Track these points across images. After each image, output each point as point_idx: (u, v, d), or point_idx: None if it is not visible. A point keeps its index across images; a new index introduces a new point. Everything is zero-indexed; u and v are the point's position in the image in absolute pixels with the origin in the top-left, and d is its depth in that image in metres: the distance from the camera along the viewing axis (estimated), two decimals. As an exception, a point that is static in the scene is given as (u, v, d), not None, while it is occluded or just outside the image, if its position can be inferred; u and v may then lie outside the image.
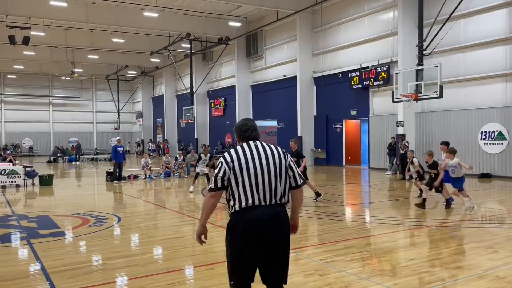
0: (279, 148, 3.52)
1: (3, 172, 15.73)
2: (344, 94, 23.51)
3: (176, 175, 18.98)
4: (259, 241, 3.30)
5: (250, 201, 3.29)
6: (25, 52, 32.35)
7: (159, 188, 16.00)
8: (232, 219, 3.39)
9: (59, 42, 31.73)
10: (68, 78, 44.63)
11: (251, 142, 3.46)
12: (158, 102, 45.26)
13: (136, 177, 18.49)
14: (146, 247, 7.23)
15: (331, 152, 24.83)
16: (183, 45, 31.84)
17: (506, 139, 16.62)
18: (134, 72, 44.42)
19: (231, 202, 3.36)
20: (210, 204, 3.41)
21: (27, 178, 16.29)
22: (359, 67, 22.20)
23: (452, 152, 9.79)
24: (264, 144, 3.49)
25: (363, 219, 9.62)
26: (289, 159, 3.48)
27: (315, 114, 25.74)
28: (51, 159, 33.15)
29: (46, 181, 16.33)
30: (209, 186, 3.42)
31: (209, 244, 7.18)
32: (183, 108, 34.75)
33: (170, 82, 42.37)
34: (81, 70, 40.66)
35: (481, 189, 14.25)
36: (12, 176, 15.89)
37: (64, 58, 35.43)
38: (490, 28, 16.99)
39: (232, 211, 3.37)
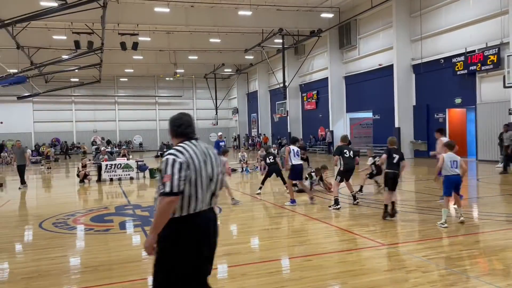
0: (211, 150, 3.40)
1: (119, 166, 17.56)
2: (447, 81, 21.89)
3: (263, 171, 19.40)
4: (208, 247, 3.24)
5: (199, 206, 3.15)
6: (134, 57, 35.45)
7: (255, 181, 16.55)
8: (177, 226, 3.10)
9: (163, 46, 34.22)
10: (171, 79, 47.95)
11: (194, 141, 3.30)
12: (252, 98, 46.51)
13: (233, 170, 19.32)
14: (245, 237, 7.61)
15: (433, 144, 23.19)
16: (276, 40, 32.22)
17: None
18: (230, 70, 46.14)
19: (177, 207, 3.10)
20: (170, 211, 3.05)
21: (139, 171, 17.98)
22: (464, 51, 20.46)
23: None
24: (202, 144, 3.36)
25: (471, 215, 8.96)
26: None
27: (414, 104, 24.37)
28: (159, 154, 36.02)
29: (155, 174, 17.85)
30: (164, 190, 3.04)
31: (306, 236, 7.34)
32: (276, 102, 35.31)
33: (263, 78, 43.25)
34: (182, 70, 43.38)
35: None
36: (127, 169, 17.66)
37: (167, 60, 38.13)
38: None
39: (177, 216, 3.10)
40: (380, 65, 26.30)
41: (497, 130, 18.70)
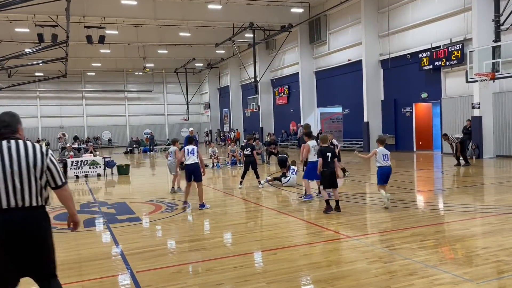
0: (38, 148, 3.36)
1: (85, 162, 17.14)
2: (414, 76, 22.41)
3: (242, 163, 19.38)
4: (6, 252, 3.16)
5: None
6: (101, 50, 34.59)
7: (226, 176, 16.51)
8: None
9: (131, 39, 33.55)
10: (140, 73, 47.10)
11: (3, 142, 3.27)
12: (224, 92, 46.31)
13: (204, 166, 19.18)
14: (214, 232, 7.57)
15: (401, 138, 23.88)
16: (247, 35, 32.16)
17: None
18: (201, 65, 45.76)
19: None
20: None
21: (106, 168, 17.60)
22: (430, 47, 21.00)
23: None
24: (21, 143, 3.31)
25: (434, 206, 9.23)
26: (48, 160, 3.35)
27: (382, 99, 24.86)
28: (128, 150, 35.38)
29: (123, 170, 17.52)
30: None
31: (273, 230, 7.36)
32: (248, 97, 35.28)
33: (235, 73, 43.12)
34: (152, 65, 42.68)
35: None
36: (93, 166, 17.25)
37: (136, 54, 37.43)
38: None
39: None
40: (349, 60, 26.65)
41: (461, 123, 19.31)
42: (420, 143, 23.20)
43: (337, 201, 8.32)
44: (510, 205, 8.49)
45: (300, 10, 28.05)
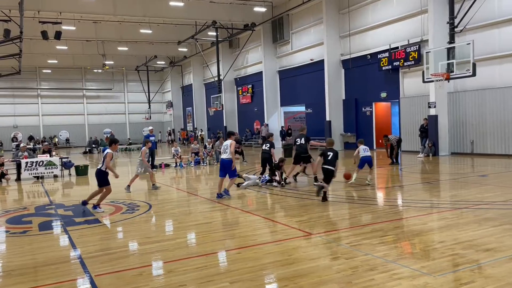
0: None
1: (41, 163, 16.42)
2: (374, 76, 23.01)
3: (205, 163, 19.25)
4: None
5: None
6: (58, 47, 33.32)
7: (189, 176, 16.30)
8: None
9: (90, 36, 32.48)
10: (100, 71, 45.76)
11: None
12: (187, 91, 45.77)
13: (167, 165, 18.88)
14: (176, 233, 7.44)
15: (361, 136, 24.32)
16: (210, 33, 31.92)
17: (546, 117, 15.87)
18: (163, 63, 45.01)
19: None
20: None
21: (63, 168, 16.95)
22: (389, 47, 21.62)
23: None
24: None
25: (393, 202, 9.49)
26: None
27: (344, 98, 25.36)
28: (87, 150, 34.27)
29: (81, 171, 16.94)
30: None
31: (237, 229, 7.32)
32: (211, 96, 35.03)
33: (198, 71, 42.72)
34: (112, 62, 41.55)
35: (519, 170, 13.71)
36: (50, 167, 16.56)
37: (95, 51, 36.29)
38: (527, 0, 16.11)
39: None
40: (311, 60, 27.00)
41: (417, 122, 20.01)
42: (380, 141, 23.80)
43: (324, 192, 9.22)
44: (465, 200, 8.86)
45: (263, 9, 28.14)
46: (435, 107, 18.78)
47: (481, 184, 10.93)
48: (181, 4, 25.67)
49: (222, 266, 5.44)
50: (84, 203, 9.40)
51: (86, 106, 48.03)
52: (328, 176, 9.19)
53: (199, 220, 8.19)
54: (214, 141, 23.00)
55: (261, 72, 31.51)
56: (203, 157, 19.50)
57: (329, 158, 9.21)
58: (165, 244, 6.47)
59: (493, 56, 17.23)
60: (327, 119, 25.19)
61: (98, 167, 9.42)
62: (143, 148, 12.98)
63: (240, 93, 35.85)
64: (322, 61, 25.43)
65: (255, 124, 34.13)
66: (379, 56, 22.20)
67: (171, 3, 25.69)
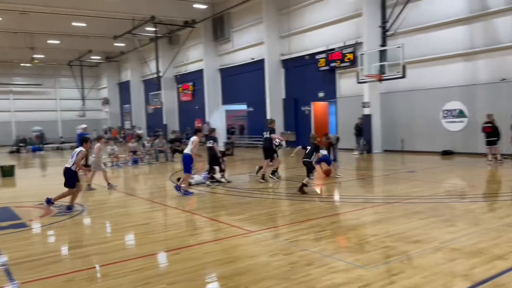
0: None
1: (-40, 164, 15.05)
2: (312, 76, 23.63)
3: (144, 162, 18.71)
4: None
5: None
6: (-20, 39, 30.78)
7: (127, 176, 15.74)
8: None
9: (16, 27, 30.30)
10: (28, 65, 42.83)
11: None
12: (124, 88, 44.22)
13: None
14: (112, 235, 7.15)
15: (301, 134, 25.01)
16: (148, 28, 31.06)
17: (466, 117, 17.20)
18: (99, 58, 43.10)
19: None
20: None
21: (-14, 169, 15.66)
22: (326, 49, 22.31)
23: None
24: None
25: (329, 198, 9.81)
26: None
27: (283, 97, 25.81)
28: (13, 149, 31.97)
29: (7, 172, 15.75)
30: None
31: (176, 229, 7.18)
32: (150, 93, 34.09)
33: (136, 67, 41.42)
34: (42, 56, 39.07)
35: (443, 166, 14.75)
36: (-30, 168, 15.24)
37: (23, 44, 33.89)
38: (451, 8, 17.33)
39: None
40: (252, 59, 27.19)
41: (353, 121, 20.84)
42: (319, 139, 24.53)
43: (302, 184, 9.82)
44: (395, 195, 9.36)
45: (203, 7, 27.86)
46: (369, 107, 19.67)
47: (410, 179, 11.62)
48: (118, -3, 24.74)
49: (161, 268, 5.31)
50: (49, 201, 8.84)
51: (13, 102, 44.78)
52: (306, 167, 9.94)
53: (137, 221, 7.93)
54: (153, 140, 22.41)
55: (202, 70, 31.21)
56: (141, 156, 18.93)
57: (307, 151, 10.12)
58: (100, 247, 6.18)
59: (422, 59, 18.37)
60: (268, 117, 25.46)
61: (67, 166, 8.85)
62: (98, 144, 12.41)
63: (181, 91, 35.27)
64: (262, 60, 25.69)
65: (196, 122, 33.72)
66: (317, 57, 22.85)
67: (107, -4, 24.68)
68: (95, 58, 42.71)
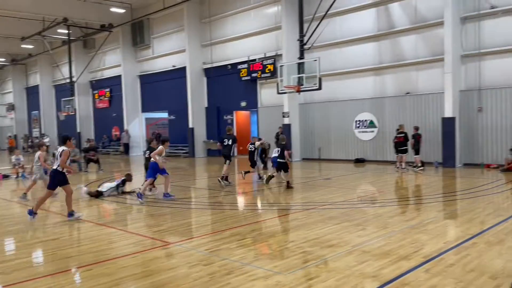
0: None
1: None
2: (234, 85, 23.86)
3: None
4: None
5: None
6: None
7: (34, 188, 14.49)
8: None
9: None
10: None
11: None
12: (32, 93, 40.98)
13: (6, 176, 16.56)
14: (16, 253, 6.52)
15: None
16: (60, 30, 29.20)
17: (376, 127, 18.50)
18: (3, 60, 39.55)
19: None
20: None
21: None
22: (247, 59, 22.69)
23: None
24: None
25: (252, 206, 9.91)
26: None
27: (206, 106, 25.72)
28: None
29: None
30: None
31: (89, 244, 6.75)
32: (63, 99, 31.96)
33: (47, 71, 38.67)
34: None
35: (356, 173, 15.68)
36: None
37: None
38: (362, 25, 18.64)
39: None
40: (173, 66, 26.77)
41: (274, 130, 21.35)
42: (241, 148, 24.78)
43: (287, 182, 11.77)
44: (313, 202, 9.72)
45: (121, 11, 26.87)
46: (288, 116, 20.34)
47: (326, 186, 12.17)
48: (26, -5, 22.99)
49: (71, 285, 4.94)
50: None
51: None
52: (281, 167, 11.87)
53: (45, 237, 7.33)
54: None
55: (120, 76, 30.02)
56: (50, 166, 17.58)
57: (279, 153, 11.97)
58: (1, 266, 5.60)
59: (336, 72, 19.47)
60: (190, 126, 25.23)
61: (53, 167, 8.35)
62: (39, 152, 11.74)
63: (97, 97, 33.58)
64: (184, 68, 25.41)
65: (113, 130, 32.30)
66: (239, 67, 23.16)
67: (14, -7, 22.81)
68: (-1, 60, 39.19)
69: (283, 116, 20.59)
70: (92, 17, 27.52)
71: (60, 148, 8.64)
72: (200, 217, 8.61)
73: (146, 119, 30.62)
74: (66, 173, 8.62)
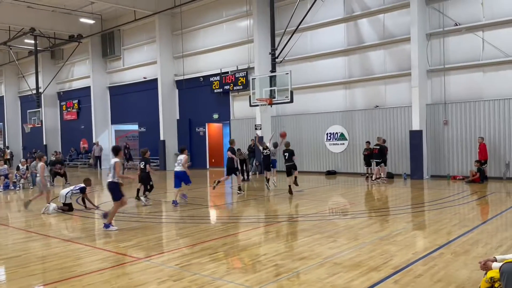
0: None
1: None
2: (206, 98, 23.80)
3: (18, 186, 16.81)
4: None
5: None
6: None
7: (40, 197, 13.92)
8: None
9: None
10: None
11: None
12: (-3, 104, 39.58)
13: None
14: (-28, 273, 6.18)
15: (195, 155, 24.83)
16: (27, 40, 28.46)
17: (347, 140, 18.81)
18: (-35, 69, 38.10)
19: None
20: None
21: None
22: (219, 72, 22.72)
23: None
24: None
25: (223, 219, 9.81)
26: None
27: (178, 118, 25.50)
28: None
29: None
30: None
31: (54, 261, 6.50)
32: (28, 111, 30.97)
33: (12, 82, 37.46)
34: None
35: (328, 185, 15.83)
36: None
37: None
38: (332, 40, 19.03)
39: None
40: (144, 78, 26.49)
41: (246, 142, 21.39)
42: (213, 160, 24.66)
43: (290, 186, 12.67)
44: (285, 214, 9.73)
45: (91, 21, 26.49)
46: (261, 129, 20.41)
47: (298, 198, 12.21)
48: (-9, 4, 22.34)
49: (32, 306, 4.72)
50: (105, 215, 8.67)
51: None
52: (289, 170, 12.81)
53: (7, 254, 7.01)
54: (30, 162, 20.28)
55: (89, 87, 29.42)
56: (15, 180, 16.98)
57: (286, 158, 12.93)
58: (-44, 288, 5.31)
59: (308, 86, 19.73)
60: (161, 138, 24.92)
61: (109, 180, 8.45)
62: (41, 164, 11.53)
63: (64, 109, 32.75)
64: (155, 80, 25.17)
65: (82, 142, 31.51)
66: (211, 79, 23.14)
67: (-23, 2, 22.13)
68: (-39, 69, 37.69)
69: (256, 129, 20.64)
70: (60, 27, 26.99)
71: (113, 160, 8.52)
72: (170, 231, 8.45)
73: (116, 131, 30.05)
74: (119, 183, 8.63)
